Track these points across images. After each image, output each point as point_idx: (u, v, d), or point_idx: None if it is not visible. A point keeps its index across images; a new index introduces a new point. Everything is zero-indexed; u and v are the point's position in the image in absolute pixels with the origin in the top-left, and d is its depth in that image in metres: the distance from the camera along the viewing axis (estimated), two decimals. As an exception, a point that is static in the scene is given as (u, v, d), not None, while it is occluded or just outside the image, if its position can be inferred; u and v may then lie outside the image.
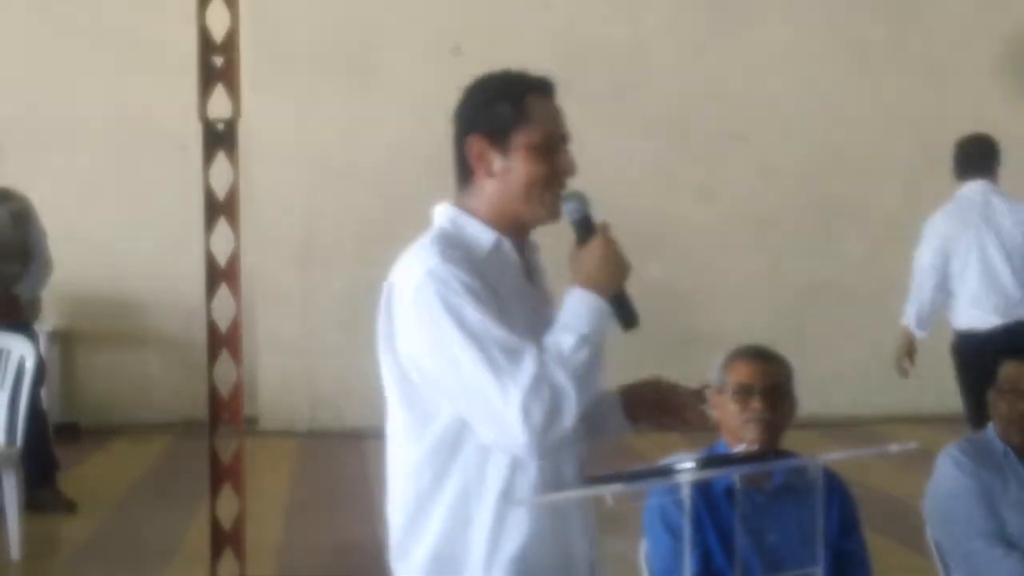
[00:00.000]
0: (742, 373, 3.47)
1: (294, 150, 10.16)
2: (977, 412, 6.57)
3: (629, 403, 2.76)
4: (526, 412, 2.38)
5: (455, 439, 2.51)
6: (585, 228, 2.58)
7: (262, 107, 9.05)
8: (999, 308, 7.06)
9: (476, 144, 2.59)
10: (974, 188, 7.34)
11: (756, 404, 3.42)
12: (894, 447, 2.74)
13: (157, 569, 6.67)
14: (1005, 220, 7.18)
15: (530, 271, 2.65)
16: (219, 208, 5.52)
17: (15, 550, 6.61)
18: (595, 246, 2.53)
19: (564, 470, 2.57)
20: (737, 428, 3.42)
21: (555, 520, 2.56)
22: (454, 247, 2.52)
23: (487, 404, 2.41)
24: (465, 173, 2.63)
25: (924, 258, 7.19)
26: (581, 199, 2.59)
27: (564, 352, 2.42)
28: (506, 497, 2.50)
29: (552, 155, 2.58)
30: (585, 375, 2.43)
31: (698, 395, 2.82)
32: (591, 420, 2.66)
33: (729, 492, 3.24)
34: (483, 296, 2.46)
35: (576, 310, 2.48)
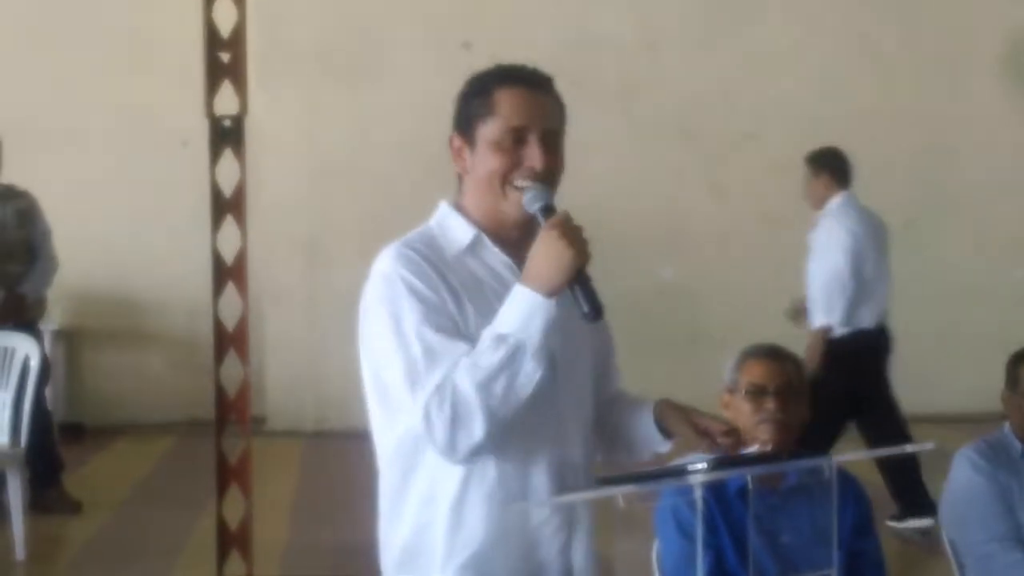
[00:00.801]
0: (755, 373, 3.43)
1: (301, 147, 10.14)
2: (850, 406, 6.92)
3: (661, 416, 2.68)
4: (427, 419, 2.39)
5: (417, 437, 2.49)
6: (543, 220, 2.49)
7: (269, 104, 9.02)
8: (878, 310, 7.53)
9: (455, 140, 2.60)
10: (852, 195, 7.78)
11: (769, 405, 3.39)
12: (910, 447, 2.70)
13: (163, 570, 6.64)
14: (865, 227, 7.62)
15: (518, 265, 2.58)
16: (226, 206, 5.47)
17: (20, 550, 6.59)
18: (540, 238, 2.44)
19: (532, 475, 2.52)
20: (750, 428, 3.37)
21: (516, 525, 2.52)
22: (423, 246, 2.53)
23: (406, 409, 2.45)
24: (455, 171, 2.65)
25: (846, 262, 7.15)
26: (539, 189, 2.50)
27: (478, 353, 2.39)
28: (461, 498, 2.50)
29: (517, 149, 2.52)
30: (499, 378, 2.38)
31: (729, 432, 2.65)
32: (628, 436, 2.68)
33: (742, 493, 3.20)
34: (428, 299, 2.45)
35: (507, 307, 2.43)
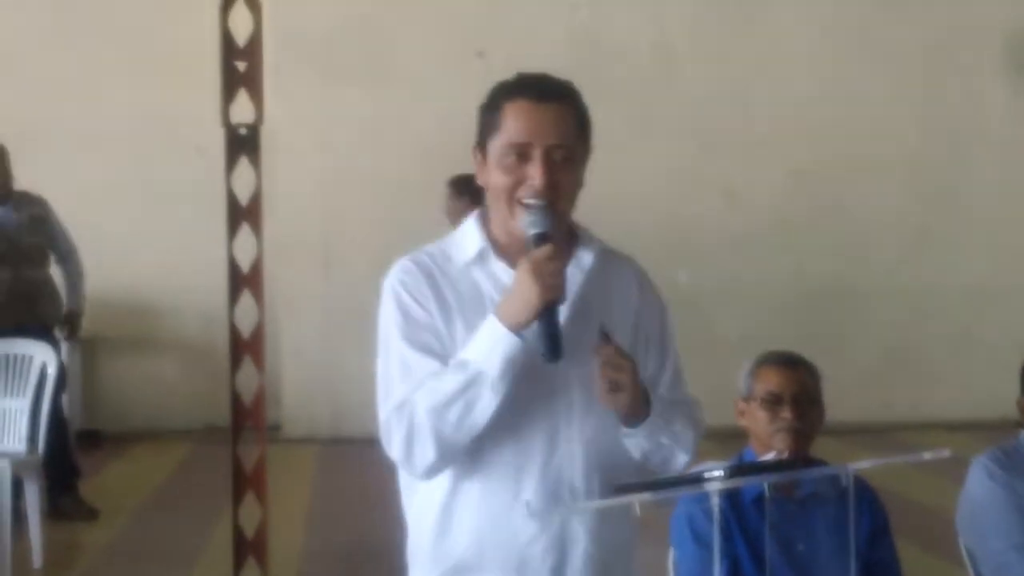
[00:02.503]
0: (771, 381, 3.42)
1: (316, 154, 10.16)
2: None
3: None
4: (386, 434, 2.46)
5: None
6: (533, 247, 2.45)
7: (284, 112, 9.04)
8: None
9: (475, 153, 2.60)
10: None
11: (786, 413, 3.37)
12: (927, 454, 2.68)
13: (179, 576, 6.65)
14: None
15: None
16: (242, 214, 5.49)
17: (37, 558, 6.60)
18: (517, 270, 2.43)
19: (523, 490, 2.50)
20: (766, 437, 3.37)
21: (503, 539, 2.52)
22: (429, 257, 2.58)
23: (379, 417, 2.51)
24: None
25: None
26: (537, 216, 2.46)
27: (439, 378, 2.42)
28: (448, 508, 2.53)
29: (521, 164, 2.49)
30: (453, 404, 2.39)
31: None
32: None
33: (758, 501, 3.20)
34: (417, 314, 2.50)
35: (476, 336, 2.43)
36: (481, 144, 2.56)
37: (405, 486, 2.65)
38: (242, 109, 5.43)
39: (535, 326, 2.39)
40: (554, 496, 2.50)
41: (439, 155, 10.43)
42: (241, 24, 5.47)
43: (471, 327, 2.46)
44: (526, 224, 2.47)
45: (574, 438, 2.53)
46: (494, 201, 2.55)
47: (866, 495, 3.42)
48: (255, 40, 5.47)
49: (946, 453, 2.63)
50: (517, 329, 2.39)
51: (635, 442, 2.55)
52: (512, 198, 2.50)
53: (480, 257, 2.56)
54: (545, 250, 2.41)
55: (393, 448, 2.45)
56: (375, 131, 10.44)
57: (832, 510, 3.25)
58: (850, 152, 10.89)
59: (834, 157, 10.87)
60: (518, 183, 2.49)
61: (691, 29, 10.79)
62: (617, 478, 2.50)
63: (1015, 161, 11.10)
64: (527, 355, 2.40)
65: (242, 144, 5.45)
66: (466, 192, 7.78)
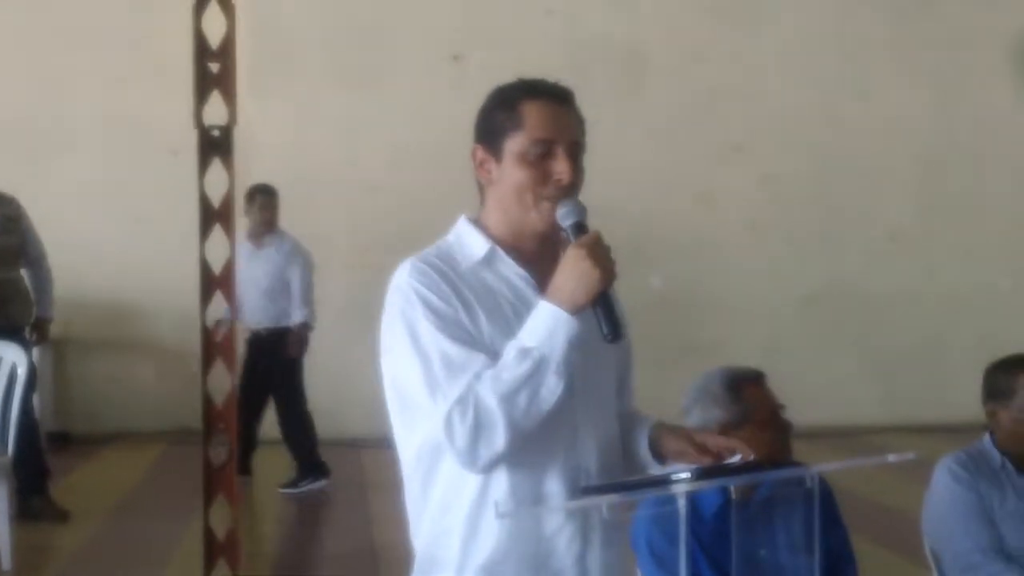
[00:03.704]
0: (759, 398, 3.41)
1: (290, 157, 10.15)
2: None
3: (656, 441, 2.68)
4: (449, 428, 2.41)
5: (436, 446, 2.51)
6: (578, 235, 2.52)
7: (258, 113, 9.03)
8: None
9: (478, 153, 2.61)
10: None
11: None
12: (892, 457, 2.70)
13: (150, 578, 6.64)
14: None
15: (545, 280, 2.59)
16: (214, 215, 5.48)
17: (6, 559, 6.56)
18: (567, 255, 2.48)
19: (546, 484, 2.53)
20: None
21: (530, 533, 2.54)
22: (437, 259, 2.56)
23: (425, 419, 2.47)
24: (478, 183, 2.65)
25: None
26: (572, 205, 2.54)
27: (502, 366, 2.42)
28: (478, 506, 2.52)
29: (544, 161, 2.54)
30: (522, 391, 2.41)
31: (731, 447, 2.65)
32: (627, 455, 2.68)
33: (718, 514, 3.20)
34: (443, 311, 2.48)
35: (532, 321, 2.46)
36: (491, 142, 2.59)
37: (415, 498, 2.60)
38: (215, 111, 5.43)
39: (587, 310, 2.46)
40: (575, 487, 2.55)
41: (413, 158, 10.49)
42: (214, 25, 5.47)
43: (494, 322, 2.51)
44: (561, 216, 2.53)
45: (589, 430, 2.59)
46: (509, 198, 2.57)
47: (821, 487, 3.42)
48: (228, 41, 5.46)
49: (911, 456, 2.65)
50: (575, 312, 2.44)
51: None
52: (536, 193, 2.54)
53: (488, 258, 2.58)
54: (595, 234, 2.49)
55: (457, 442, 2.41)
56: (349, 133, 10.45)
57: (791, 510, 3.23)
58: (824, 156, 10.96)
59: (810, 161, 10.93)
60: (542, 179, 2.54)
61: (665, 33, 10.83)
62: (618, 468, 2.62)
63: (987, 166, 11.18)
64: (583, 338, 2.46)
65: (215, 146, 5.44)
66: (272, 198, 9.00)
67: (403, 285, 2.52)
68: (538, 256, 2.59)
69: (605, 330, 2.47)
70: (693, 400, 3.40)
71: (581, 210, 2.54)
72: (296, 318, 8.84)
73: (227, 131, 5.44)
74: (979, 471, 3.91)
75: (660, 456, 2.67)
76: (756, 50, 10.87)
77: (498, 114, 2.59)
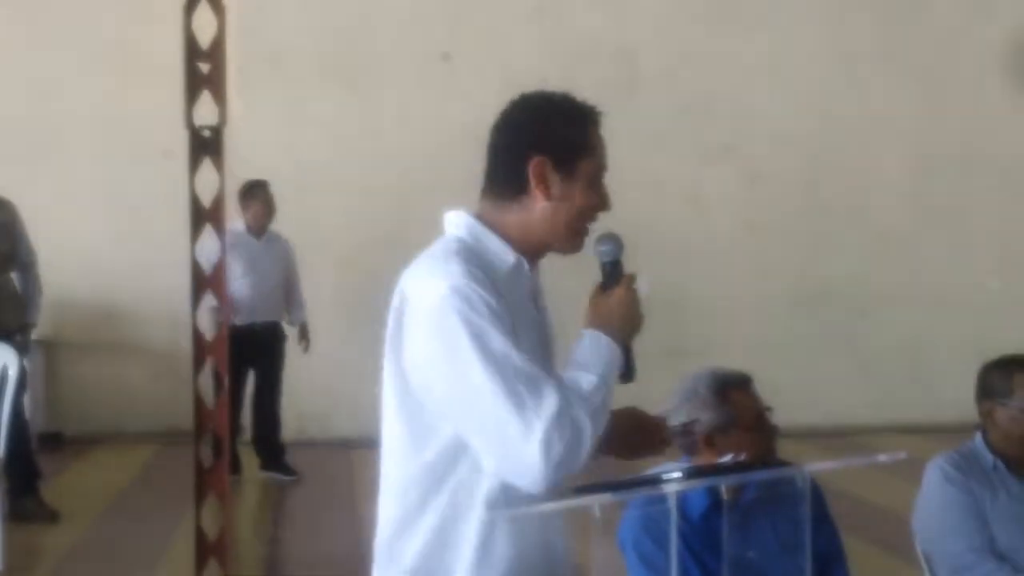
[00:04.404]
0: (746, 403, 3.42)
1: (281, 157, 10.13)
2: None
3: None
4: (547, 446, 2.33)
5: (451, 458, 2.45)
6: (614, 272, 2.60)
7: (249, 114, 9.02)
8: None
9: (541, 164, 2.54)
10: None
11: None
12: (883, 457, 2.71)
13: (141, 579, 6.64)
14: None
15: (535, 293, 2.62)
16: (205, 216, 5.48)
17: (-3, 560, 6.57)
18: (623, 293, 2.56)
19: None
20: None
21: (539, 541, 2.53)
22: (477, 263, 2.45)
23: (503, 435, 2.35)
24: (515, 189, 2.55)
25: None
26: (618, 242, 2.61)
27: (583, 390, 2.42)
28: (490, 520, 2.48)
29: (599, 188, 2.60)
30: (600, 414, 2.43)
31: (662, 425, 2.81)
32: None
33: (706, 516, 3.20)
34: (505, 320, 2.40)
35: (597, 351, 2.49)
36: (564, 159, 2.56)
37: (408, 511, 2.50)
38: (206, 111, 5.43)
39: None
40: (567, 490, 2.54)
41: (404, 158, 10.49)
42: (205, 26, 5.47)
43: (528, 336, 2.48)
44: (605, 252, 2.61)
45: None
46: (562, 216, 2.56)
47: (811, 487, 3.43)
48: (219, 42, 5.47)
49: (902, 455, 2.66)
50: (620, 347, 2.53)
51: None
52: (591, 217, 2.59)
53: (516, 269, 2.54)
54: (634, 277, 2.60)
55: (553, 458, 2.33)
56: (340, 132, 10.44)
57: (780, 511, 3.23)
58: (814, 158, 10.97)
59: (799, 162, 10.95)
60: (598, 205, 2.60)
61: (655, 34, 10.84)
62: None
63: (976, 166, 11.20)
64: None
65: (205, 146, 5.44)
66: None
67: (462, 288, 2.38)
68: (534, 271, 2.60)
69: (628, 371, 2.57)
70: (680, 402, 3.40)
71: (622, 248, 2.62)
72: (299, 316, 8.90)
73: (218, 131, 5.44)
74: (971, 471, 3.91)
75: (606, 451, 2.64)
76: (746, 52, 10.87)
77: (570, 132, 2.58)
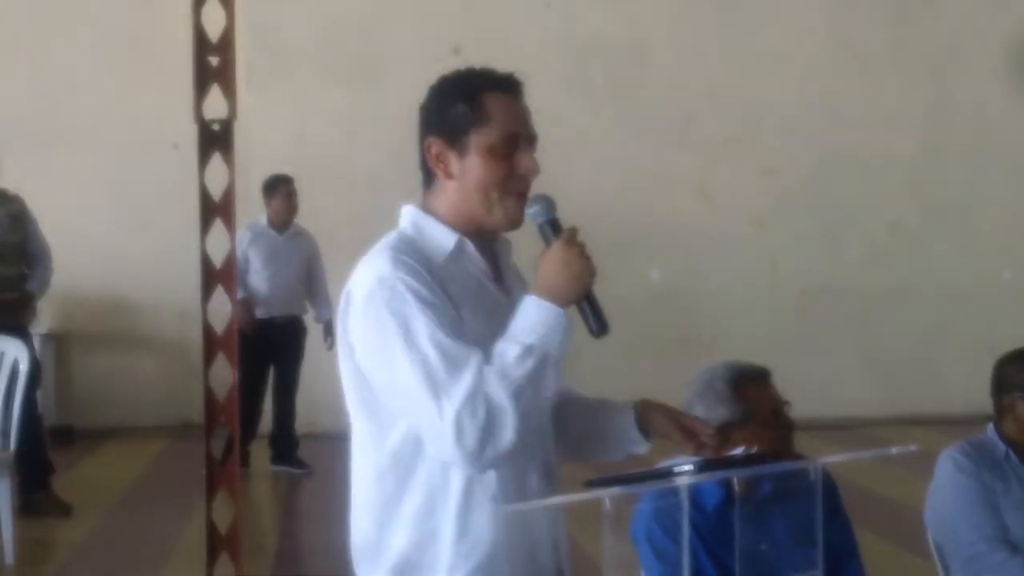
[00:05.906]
0: (763, 398, 3.39)
1: (290, 151, 10.14)
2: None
3: (643, 417, 2.66)
4: (458, 428, 2.32)
5: (415, 448, 2.46)
6: (552, 231, 2.49)
7: (258, 107, 9.03)
8: None
9: (434, 145, 2.56)
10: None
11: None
12: (894, 449, 2.70)
13: (153, 573, 6.63)
14: None
15: (500, 273, 2.60)
16: (215, 209, 5.48)
17: (9, 554, 6.58)
18: (553, 251, 2.44)
19: (528, 478, 2.52)
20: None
21: (519, 529, 2.51)
22: (411, 252, 2.47)
23: (425, 418, 2.37)
24: (428, 173, 2.59)
25: None
26: (544, 202, 2.50)
27: (506, 364, 2.36)
28: (466, 507, 2.47)
29: (512, 156, 2.51)
30: (528, 388, 2.36)
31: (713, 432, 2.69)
32: (603, 436, 2.66)
33: (720, 508, 3.19)
34: (435, 304, 2.40)
35: (526, 318, 2.40)
36: (452, 136, 2.54)
37: (384, 503, 2.51)
38: (215, 105, 5.42)
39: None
40: (548, 478, 2.56)
41: (413, 152, 10.47)
42: (214, 19, 5.47)
43: (476, 317, 2.45)
44: (534, 213, 2.50)
45: (546, 420, 2.59)
46: (472, 193, 2.52)
47: (824, 481, 3.42)
48: (228, 35, 5.47)
49: (914, 448, 2.65)
50: (566, 308, 2.42)
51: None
52: (504, 189, 2.50)
53: (458, 252, 2.52)
54: (577, 230, 2.46)
55: (466, 442, 2.32)
56: (349, 126, 10.44)
57: (793, 505, 3.21)
58: (825, 151, 10.95)
59: (809, 156, 10.93)
60: (513, 175, 2.50)
61: (665, 27, 10.83)
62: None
63: (986, 159, 11.18)
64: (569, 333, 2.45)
65: (215, 140, 5.44)
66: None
67: (387, 278, 2.41)
68: (487, 249, 2.56)
69: (594, 327, 2.45)
70: (697, 395, 3.36)
71: (553, 205, 2.51)
72: (325, 313, 8.91)
73: (227, 125, 5.44)
74: (982, 461, 3.91)
75: (648, 434, 2.65)
76: (756, 45, 10.86)
77: (459, 107, 2.55)
